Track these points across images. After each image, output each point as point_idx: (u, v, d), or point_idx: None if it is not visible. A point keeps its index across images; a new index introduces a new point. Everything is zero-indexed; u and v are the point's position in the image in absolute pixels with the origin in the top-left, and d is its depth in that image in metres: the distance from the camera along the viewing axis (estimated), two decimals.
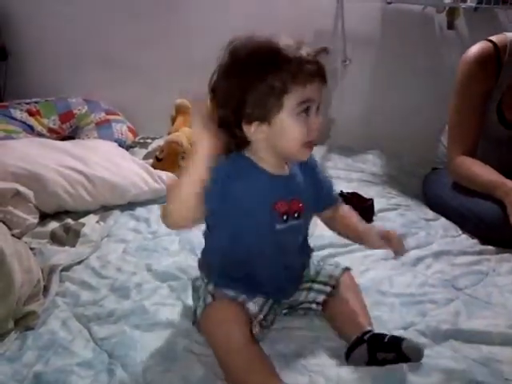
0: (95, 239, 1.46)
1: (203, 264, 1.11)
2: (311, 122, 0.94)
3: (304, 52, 0.91)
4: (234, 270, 1.03)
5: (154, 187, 1.75)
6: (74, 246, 1.44)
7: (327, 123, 2.38)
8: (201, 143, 0.91)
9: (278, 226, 1.00)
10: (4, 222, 1.34)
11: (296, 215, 1.02)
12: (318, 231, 1.51)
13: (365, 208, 1.63)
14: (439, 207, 1.73)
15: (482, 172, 1.59)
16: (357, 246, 1.44)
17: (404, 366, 0.92)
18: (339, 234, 1.16)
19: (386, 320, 1.10)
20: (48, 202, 1.59)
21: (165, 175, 1.81)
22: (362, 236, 1.08)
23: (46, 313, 1.12)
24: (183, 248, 1.42)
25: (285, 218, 1.01)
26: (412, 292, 1.23)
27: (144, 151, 2.23)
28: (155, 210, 1.68)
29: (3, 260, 1.05)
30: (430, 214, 1.72)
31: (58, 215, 1.62)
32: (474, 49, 1.64)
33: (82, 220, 1.58)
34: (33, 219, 1.51)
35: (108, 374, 0.94)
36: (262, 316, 1.02)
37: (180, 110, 2.22)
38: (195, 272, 1.13)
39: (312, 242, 1.43)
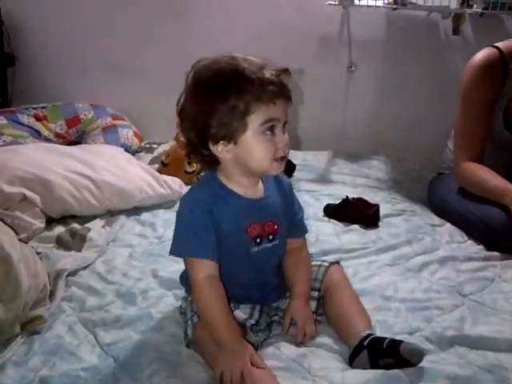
0: (101, 244, 1.47)
1: (185, 285, 1.12)
2: (277, 141, 0.96)
3: (267, 73, 0.93)
4: None
5: (159, 192, 1.75)
6: (80, 250, 1.44)
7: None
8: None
9: (252, 249, 1.03)
10: (11, 227, 1.35)
11: (271, 237, 1.05)
12: (322, 237, 1.52)
13: (370, 214, 1.64)
14: (445, 212, 1.73)
15: (488, 178, 1.58)
16: (361, 251, 1.44)
17: (409, 371, 0.92)
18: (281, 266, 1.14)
19: (391, 325, 1.10)
20: (54, 207, 1.60)
21: (170, 180, 1.82)
22: (292, 298, 1.07)
23: (53, 317, 1.12)
24: None
25: (258, 240, 1.03)
26: (417, 298, 1.22)
27: (150, 156, 2.24)
28: (161, 215, 1.69)
29: (10, 264, 1.06)
30: (436, 219, 1.71)
31: (64, 220, 1.63)
32: (480, 55, 1.64)
33: (87, 225, 1.58)
34: (39, 224, 1.52)
35: (113, 380, 0.94)
36: (252, 321, 1.03)
37: None
38: None
39: (316, 247, 1.44)
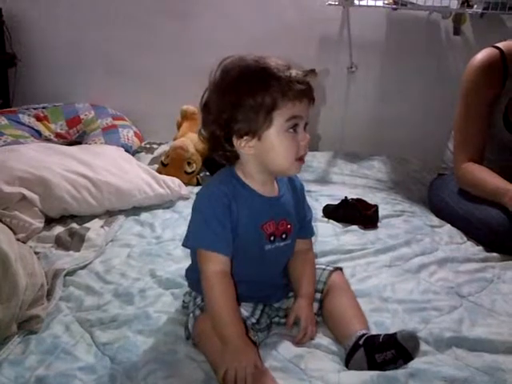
0: (100, 244, 1.47)
1: (191, 279, 1.13)
2: (299, 139, 0.97)
3: (294, 72, 0.95)
4: None
5: (159, 192, 1.75)
6: (78, 250, 1.44)
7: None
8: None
9: (266, 246, 1.04)
10: (9, 227, 1.35)
11: (283, 236, 1.05)
12: (321, 237, 1.52)
13: (369, 215, 1.63)
14: (444, 213, 1.73)
15: (489, 178, 1.58)
16: (360, 252, 1.44)
17: (405, 372, 0.92)
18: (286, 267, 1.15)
19: (389, 326, 1.10)
20: (53, 207, 1.60)
21: (170, 180, 1.82)
22: (297, 298, 1.09)
23: (50, 317, 1.12)
24: (187, 254, 1.42)
25: (272, 238, 1.04)
26: (415, 299, 1.22)
27: (150, 156, 2.24)
28: (160, 215, 1.69)
29: (8, 264, 1.06)
30: (435, 220, 1.71)
31: (63, 219, 1.63)
32: (480, 55, 1.64)
33: (86, 224, 1.58)
34: (38, 223, 1.52)
35: (110, 379, 0.94)
36: (254, 319, 1.04)
37: (186, 116, 2.24)
38: None
39: (315, 247, 1.43)
